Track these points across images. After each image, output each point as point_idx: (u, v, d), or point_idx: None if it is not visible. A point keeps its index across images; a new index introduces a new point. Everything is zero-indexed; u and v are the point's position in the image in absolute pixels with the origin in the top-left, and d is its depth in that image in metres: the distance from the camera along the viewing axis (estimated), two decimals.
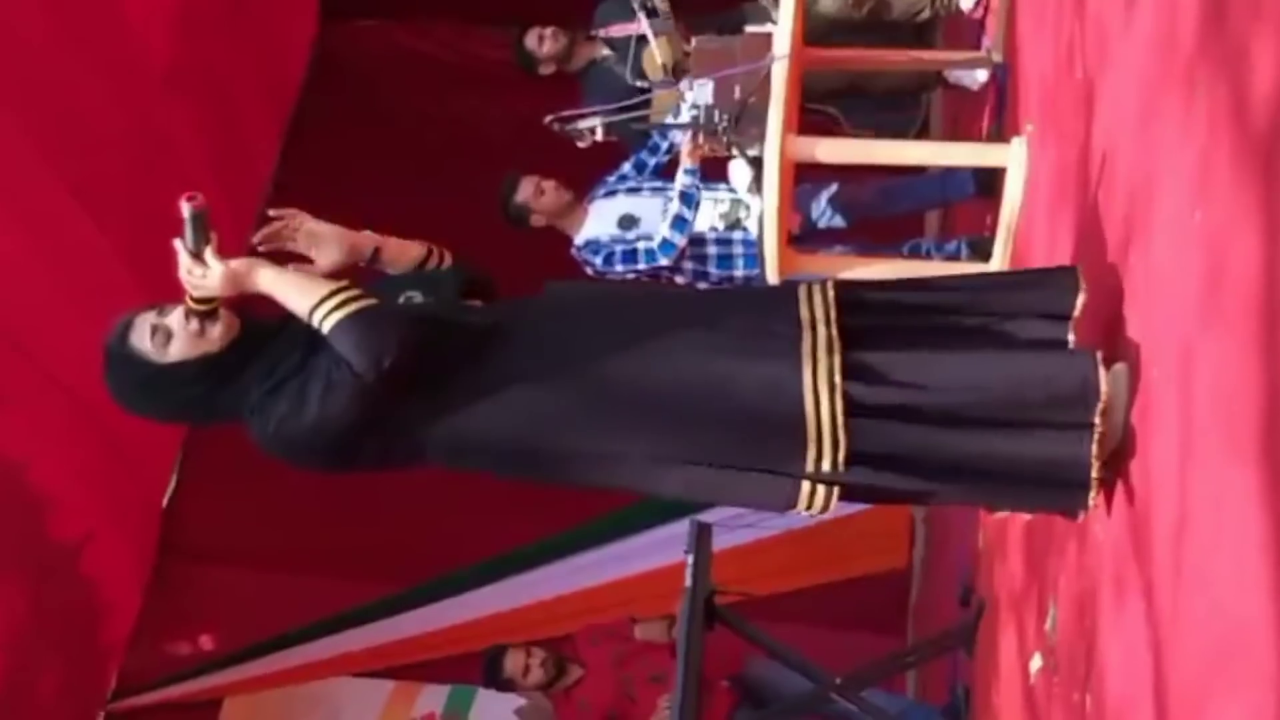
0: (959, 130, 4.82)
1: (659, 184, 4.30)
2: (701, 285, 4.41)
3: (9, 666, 4.86)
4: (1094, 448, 2.10)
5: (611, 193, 4.37)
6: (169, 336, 2.14)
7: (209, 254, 2.11)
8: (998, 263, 3.45)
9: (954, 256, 4.38)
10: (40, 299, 4.78)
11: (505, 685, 4.62)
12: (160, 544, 5.75)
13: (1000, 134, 3.88)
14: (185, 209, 2.09)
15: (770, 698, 4.21)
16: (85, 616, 5.47)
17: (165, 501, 5.85)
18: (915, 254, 4.45)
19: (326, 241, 2.30)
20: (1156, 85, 2.14)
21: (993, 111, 4.07)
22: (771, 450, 2.14)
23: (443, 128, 6.58)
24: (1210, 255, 1.79)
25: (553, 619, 5.61)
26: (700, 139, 3.67)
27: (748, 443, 2.15)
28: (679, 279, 4.42)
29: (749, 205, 4.00)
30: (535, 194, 4.36)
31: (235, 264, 2.13)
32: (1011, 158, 3.35)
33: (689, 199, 4.07)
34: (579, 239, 4.36)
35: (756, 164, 3.36)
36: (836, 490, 2.13)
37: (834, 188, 4.41)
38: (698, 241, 4.24)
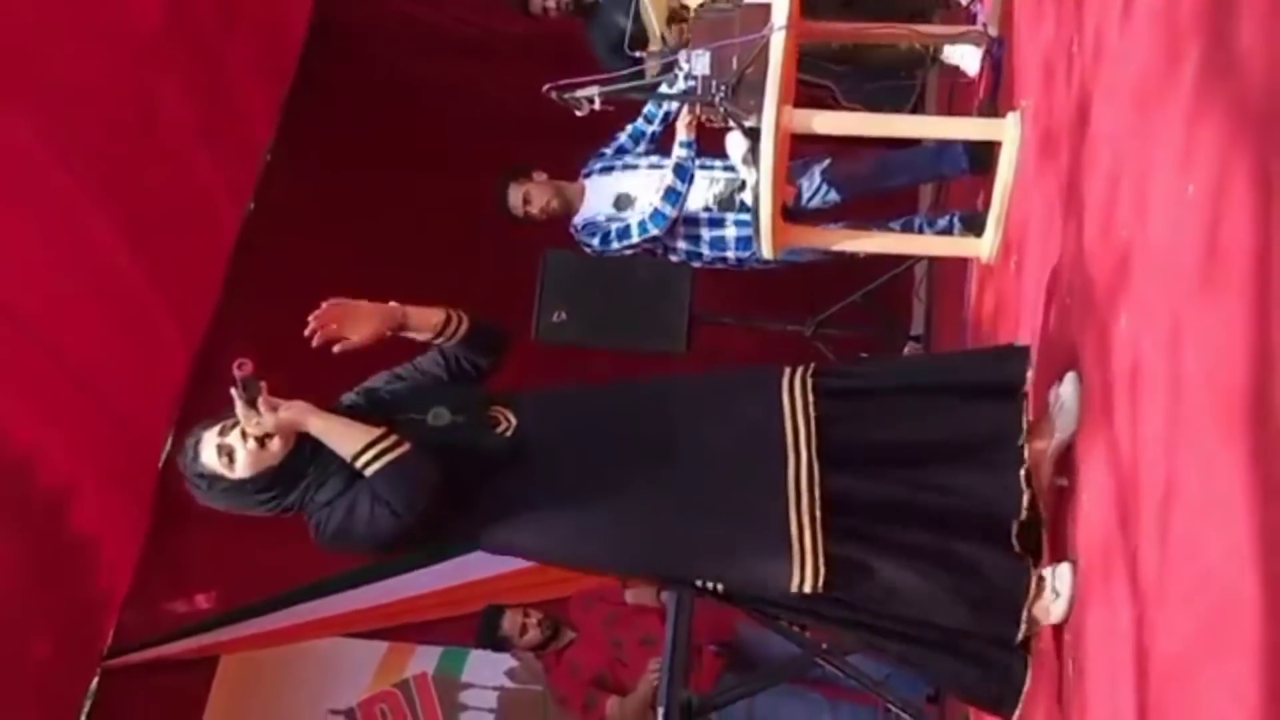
0: (954, 107, 4.84)
1: (656, 159, 4.32)
2: (695, 264, 4.44)
3: None
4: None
5: (608, 168, 4.39)
6: (233, 455, 2.39)
7: (261, 405, 2.35)
8: (990, 237, 3.48)
9: (947, 231, 4.41)
10: (28, 262, 4.77)
11: (501, 644, 4.67)
12: (157, 503, 5.78)
13: (995, 109, 3.90)
14: (236, 375, 2.33)
15: (757, 662, 4.27)
16: (76, 575, 5.50)
17: (161, 460, 5.88)
18: (908, 229, 4.48)
19: (362, 320, 2.53)
20: (1152, 59, 2.16)
21: (988, 86, 4.09)
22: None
23: (443, 96, 6.57)
24: (1202, 228, 1.81)
25: (546, 583, 5.65)
26: (697, 110, 3.69)
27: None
28: (672, 258, 4.45)
29: (744, 183, 4.03)
30: (523, 202, 4.41)
31: (285, 415, 2.38)
32: (1006, 132, 3.37)
33: (683, 172, 4.09)
34: (577, 219, 4.39)
35: (753, 135, 3.38)
36: (824, 576, 2.36)
37: (826, 161, 4.43)
38: (691, 221, 4.27)
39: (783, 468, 2.37)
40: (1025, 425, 2.41)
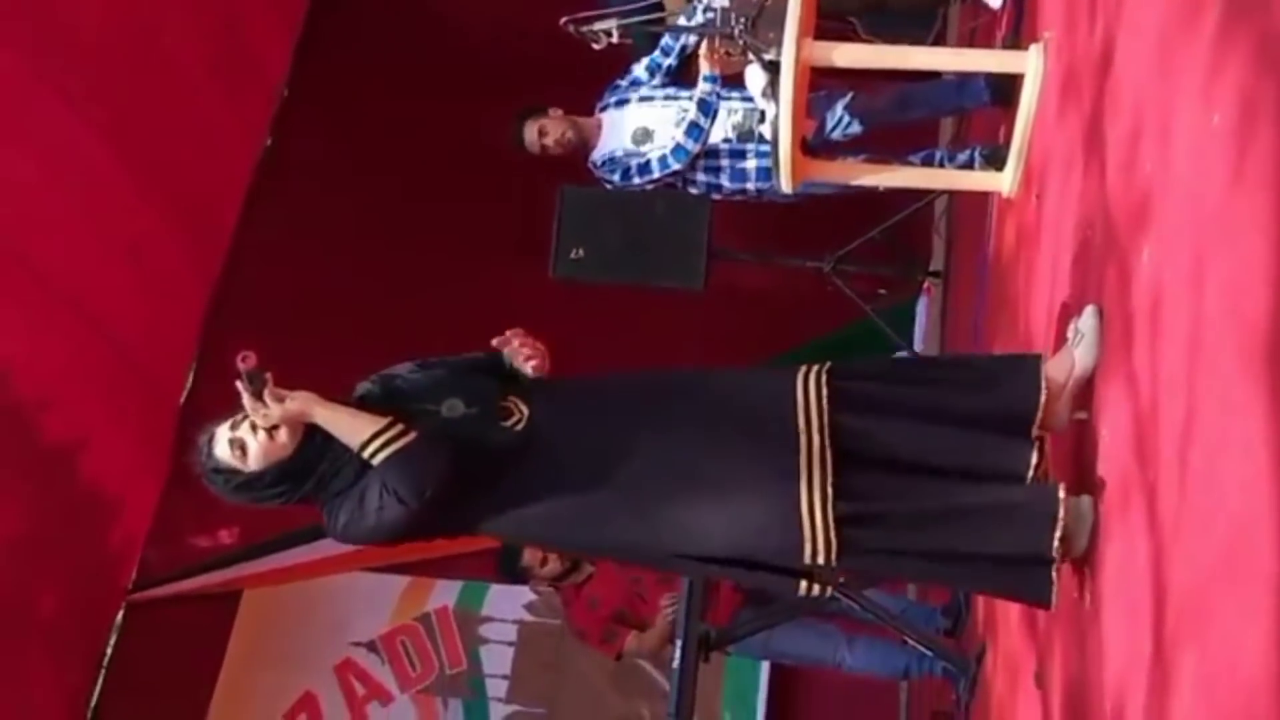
0: (976, 42, 4.78)
1: (672, 90, 4.29)
2: (715, 196, 4.42)
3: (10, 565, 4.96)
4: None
5: (623, 101, 4.36)
6: (245, 448, 2.42)
7: (267, 397, 2.37)
8: (1011, 172, 3.45)
9: (968, 165, 4.38)
10: (41, 209, 4.79)
11: (521, 575, 4.71)
12: (180, 441, 5.83)
13: (1018, 41, 3.85)
14: (240, 368, 2.36)
15: (774, 596, 4.30)
16: (91, 515, 5.55)
17: (183, 398, 5.93)
18: (929, 163, 4.45)
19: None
20: None
21: (1010, 18, 4.04)
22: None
23: (461, 28, 6.53)
24: (1226, 161, 1.80)
25: None
26: (716, 43, 3.65)
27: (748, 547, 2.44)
28: (692, 190, 4.43)
29: (764, 114, 3.99)
30: (538, 135, 4.38)
31: (291, 406, 2.39)
32: (1029, 64, 3.33)
33: (707, 107, 4.05)
34: (596, 155, 4.37)
35: (773, 68, 3.34)
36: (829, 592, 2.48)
37: (849, 95, 4.40)
38: (711, 153, 4.24)
39: (794, 452, 2.37)
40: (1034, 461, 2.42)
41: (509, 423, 2.48)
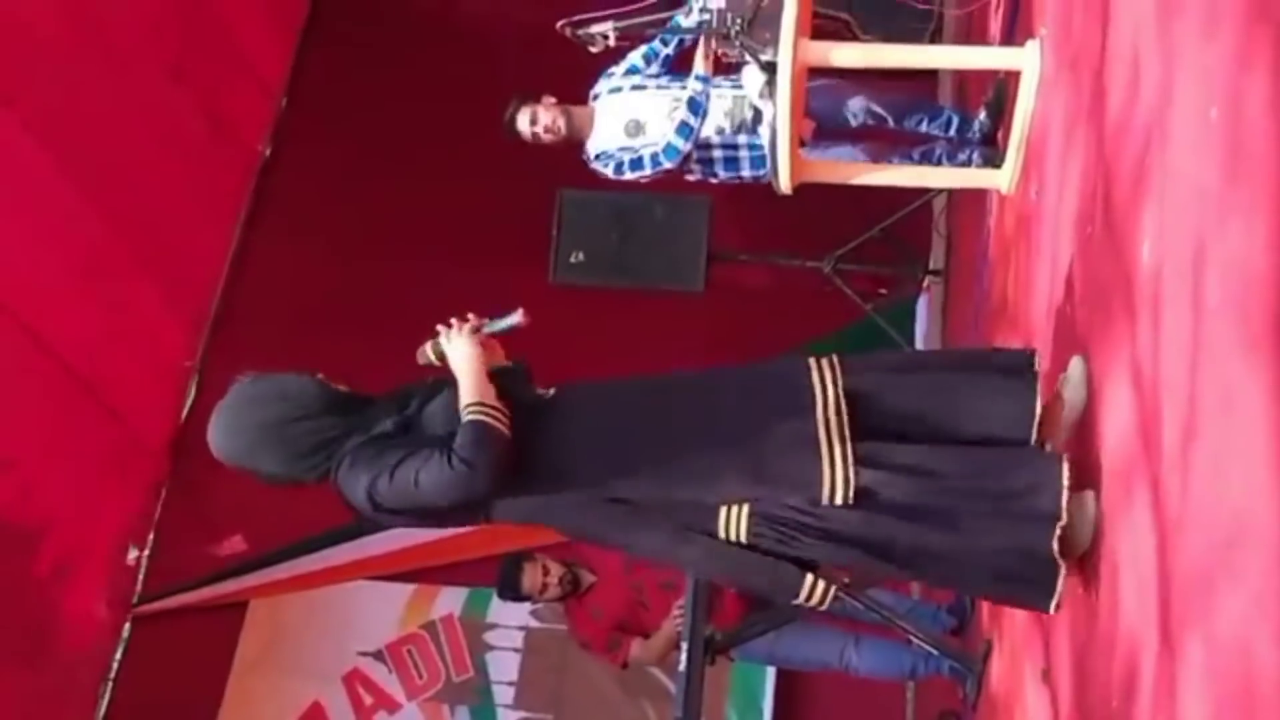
0: (972, 38, 4.78)
1: (666, 80, 4.28)
2: (712, 181, 4.41)
3: None
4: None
5: (616, 89, 4.34)
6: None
7: (475, 338, 2.52)
8: (1010, 168, 3.45)
9: (966, 165, 4.38)
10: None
11: (522, 598, 4.68)
12: (182, 451, 5.84)
13: (1013, 39, 3.85)
14: (517, 317, 2.58)
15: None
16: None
17: (186, 411, 5.94)
18: (927, 161, 4.45)
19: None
20: None
21: (1006, 15, 4.04)
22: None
23: (457, 32, 6.54)
24: (1226, 153, 1.80)
25: None
26: (712, 43, 3.65)
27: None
28: (688, 178, 4.43)
29: (755, 103, 3.99)
30: (530, 122, 4.37)
31: (477, 353, 2.51)
32: (1026, 61, 3.33)
33: (697, 106, 4.05)
34: (590, 148, 4.35)
35: (769, 69, 3.35)
36: (833, 590, 2.48)
37: (862, 99, 4.39)
38: (704, 145, 4.24)
39: (812, 417, 2.42)
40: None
41: (541, 390, 2.58)
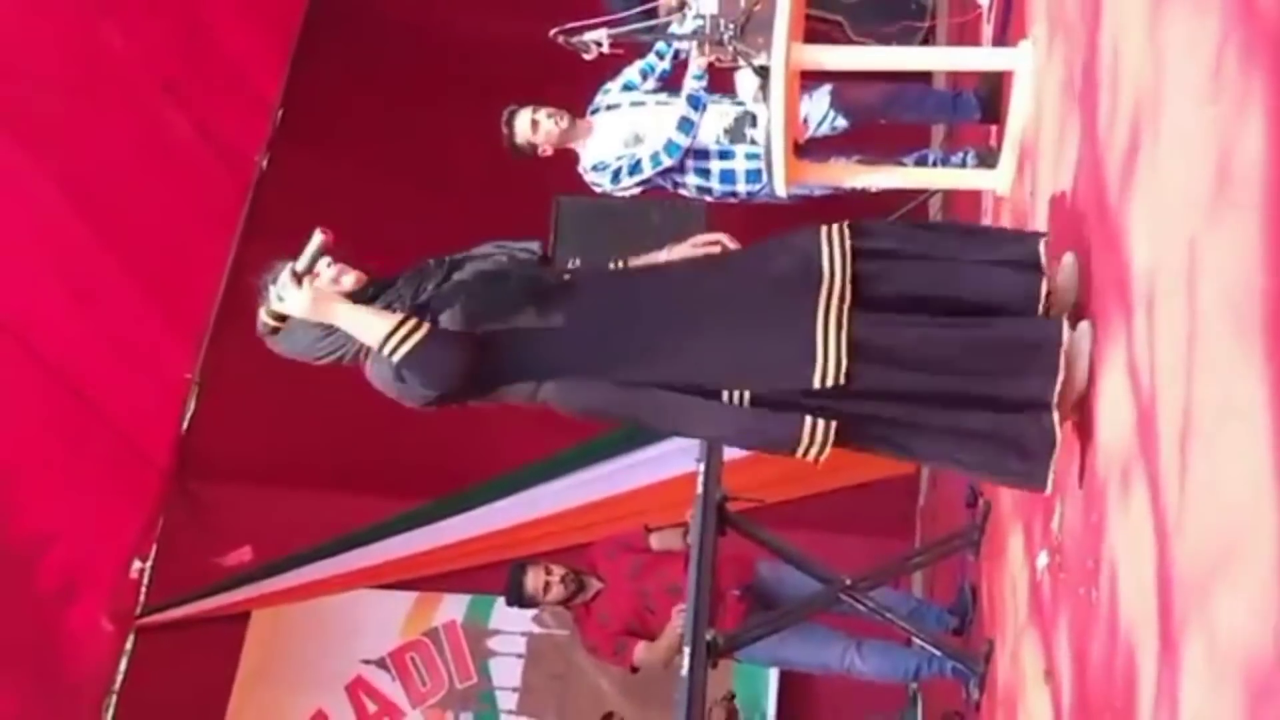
0: (965, 40, 4.79)
1: (664, 96, 4.29)
2: (706, 199, 4.42)
3: None
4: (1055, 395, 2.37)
5: (614, 105, 4.35)
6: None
7: (306, 280, 2.44)
8: (1006, 169, 3.46)
9: (961, 167, 4.38)
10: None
11: (528, 603, 4.70)
12: (184, 463, 5.84)
13: (1006, 40, 3.86)
14: (316, 237, 2.45)
15: (780, 602, 4.29)
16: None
17: (186, 423, 5.94)
18: (921, 164, 4.45)
19: None
20: None
21: (999, 17, 4.05)
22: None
23: (451, 44, 6.55)
24: (1218, 153, 1.80)
25: (568, 530, 5.70)
26: (706, 49, 3.66)
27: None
28: (683, 193, 4.43)
29: (754, 117, 4.00)
30: (532, 132, 4.37)
31: (318, 295, 2.46)
32: (1019, 62, 3.34)
33: (696, 101, 4.06)
34: (586, 161, 4.36)
35: (763, 73, 3.36)
36: (834, 428, 2.44)
37: (828, 86, 4.38)
38: (701, 154, 4.24)
39: (818, 290, 2.44)
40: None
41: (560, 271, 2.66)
